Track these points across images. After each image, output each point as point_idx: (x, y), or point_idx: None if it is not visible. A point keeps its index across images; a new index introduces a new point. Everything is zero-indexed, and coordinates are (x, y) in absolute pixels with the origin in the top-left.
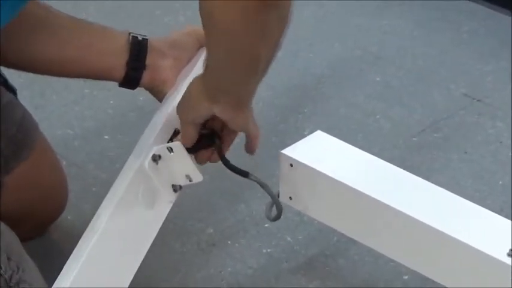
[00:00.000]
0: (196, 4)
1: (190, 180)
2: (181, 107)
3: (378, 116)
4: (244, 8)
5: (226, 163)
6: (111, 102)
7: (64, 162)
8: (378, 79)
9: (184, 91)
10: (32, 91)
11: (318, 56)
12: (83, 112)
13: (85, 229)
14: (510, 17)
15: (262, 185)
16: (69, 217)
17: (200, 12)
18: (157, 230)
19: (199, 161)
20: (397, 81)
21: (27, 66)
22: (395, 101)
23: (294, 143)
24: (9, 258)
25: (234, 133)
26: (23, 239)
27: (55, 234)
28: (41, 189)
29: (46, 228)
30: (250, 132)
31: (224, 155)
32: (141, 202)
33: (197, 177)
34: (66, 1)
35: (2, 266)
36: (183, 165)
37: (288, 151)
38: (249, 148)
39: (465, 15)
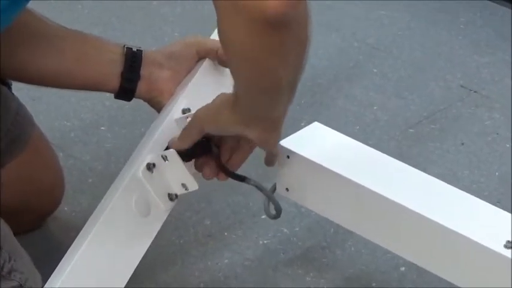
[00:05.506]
0: None
1: (186, 189)
2: (205, 114)
3: (375, 108)
4: (250, 28)
5: (224, 170)
6: (108, 93)
7: (61, 154)
8: (375, 70)
9: (182, 100)
10: None
11: (315, 47)
12: (80, 103)
13: (82, 220)
14: (507, 8)
15: (261, 189)
16: (65, 208)
17: (219, 37)
18: (152, 238)
19: (204, 175)
20: (394, 72)
21: (19, 76)
22: (392, 92)
23: (290, 134)
24: (1, 248)
25: (248, 151)
26: (20, 232)
27: (52, 225)
28: (36, 183)
29: (43, 221)
30: (275, 151)
31: (222, 163)
32: (135, 210)
33: (193, 185)
34: None
35: None
36: (178, 174)
37: (284, 142)
38: (270, 163)
39: (462, 6)
